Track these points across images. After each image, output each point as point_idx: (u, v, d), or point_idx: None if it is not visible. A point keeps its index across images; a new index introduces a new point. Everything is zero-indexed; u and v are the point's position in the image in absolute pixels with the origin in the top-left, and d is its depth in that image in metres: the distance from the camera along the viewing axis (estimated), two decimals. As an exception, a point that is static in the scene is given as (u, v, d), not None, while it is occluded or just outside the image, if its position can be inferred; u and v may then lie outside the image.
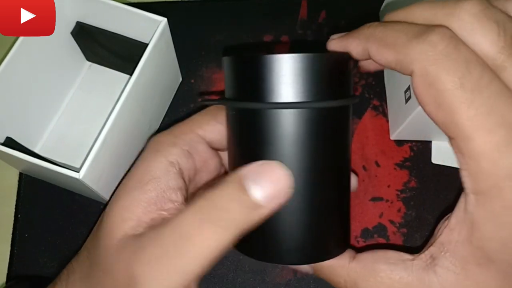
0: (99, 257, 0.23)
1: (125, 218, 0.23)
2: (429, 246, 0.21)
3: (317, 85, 0.20)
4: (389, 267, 0.22)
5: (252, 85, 0.21)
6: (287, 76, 0.20)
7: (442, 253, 0.20)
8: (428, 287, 0.20)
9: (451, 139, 0.19)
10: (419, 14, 0.20)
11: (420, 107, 0.30)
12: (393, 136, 0.37)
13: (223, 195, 0.20)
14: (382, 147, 0.37)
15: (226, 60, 0.23)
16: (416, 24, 0.19)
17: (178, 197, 0.24)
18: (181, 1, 0.43)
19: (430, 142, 0.37)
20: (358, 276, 0.22)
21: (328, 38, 0.23)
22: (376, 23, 0.21)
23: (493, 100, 0.17)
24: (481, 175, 0.18)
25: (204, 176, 0.27)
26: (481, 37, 0.18)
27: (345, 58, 0.22)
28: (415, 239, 0.34)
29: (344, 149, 0.22)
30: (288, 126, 0.20)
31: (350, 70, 0.22)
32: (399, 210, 0.35)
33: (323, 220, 0.22)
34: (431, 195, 0.35)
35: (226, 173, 0.29)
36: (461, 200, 0.20)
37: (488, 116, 0.17)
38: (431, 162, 0.36)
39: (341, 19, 0.42)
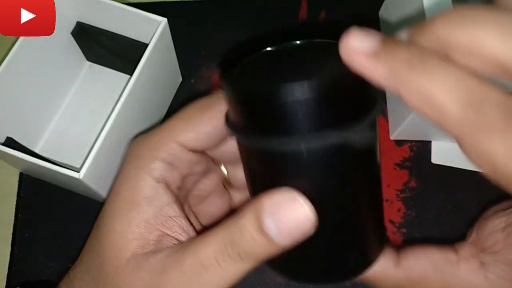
0: (107, 276, 0.23)
1: (131, 239, 0.22)
2: (479, 251, 0.21)
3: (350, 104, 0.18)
4: (436, 271, 0.21)
5: (276, 118, 0.18)
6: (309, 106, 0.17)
7: (494, 260, 0.20)
8: None
9: None
10: (489, 45, 0.15)
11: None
12: (393, 136, 0.37)
13: (241, 229, 0.20)
14: (382, 147, 0.37)
15: (237, 91, 0.19)
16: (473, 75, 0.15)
17: (176, 210, 0.24)
18: (181, 1, 0.43)
19: (430, 142, 0.37)
20: (406, 284, 0.22)
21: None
22: (416, 50, 0.16)
23: None
24: None
25: (193, 178, 0.26)
26: None
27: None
28: (415, 239, 0.34)
29: (377, 160, 0.21)
30: (321, 156, 0.18)
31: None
32: (399, 210, 0.35)
33: (363, 238, 0.21)
34: (430, 195, 0.36)
35: (215, 164, 0.28)
36: None
37: None
38: (431, 162, 0.36)
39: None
